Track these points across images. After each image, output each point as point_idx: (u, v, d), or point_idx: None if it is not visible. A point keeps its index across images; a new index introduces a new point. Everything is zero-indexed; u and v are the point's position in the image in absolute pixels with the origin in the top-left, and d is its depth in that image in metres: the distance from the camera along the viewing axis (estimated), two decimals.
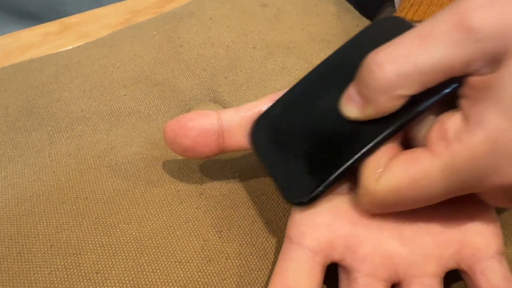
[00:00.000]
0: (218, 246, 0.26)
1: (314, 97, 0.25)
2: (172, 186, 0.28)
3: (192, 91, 0.35)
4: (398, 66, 0.20)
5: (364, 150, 0.22)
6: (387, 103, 0.20)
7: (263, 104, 0.26)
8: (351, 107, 0.22)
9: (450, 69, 0.19)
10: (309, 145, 0.23)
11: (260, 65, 0.36)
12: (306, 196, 0.22)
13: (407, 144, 0.23)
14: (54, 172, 0.29)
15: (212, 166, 0.30)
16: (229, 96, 0.34)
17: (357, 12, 0.40)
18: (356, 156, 0.22)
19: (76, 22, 0.42)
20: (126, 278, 0.24)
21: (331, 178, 0.22)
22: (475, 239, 0.22)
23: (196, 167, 0.29)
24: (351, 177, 0.23)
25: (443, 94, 0.21)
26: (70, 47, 0.39)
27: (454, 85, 0.20)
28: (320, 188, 0.22)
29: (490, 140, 0.18)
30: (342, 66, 0.24)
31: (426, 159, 0.20)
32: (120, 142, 0.31)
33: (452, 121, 0.20)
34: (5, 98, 0.34)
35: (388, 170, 0.21)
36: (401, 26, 0.23)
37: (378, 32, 0.24)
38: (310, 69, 0.26)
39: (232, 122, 0.25)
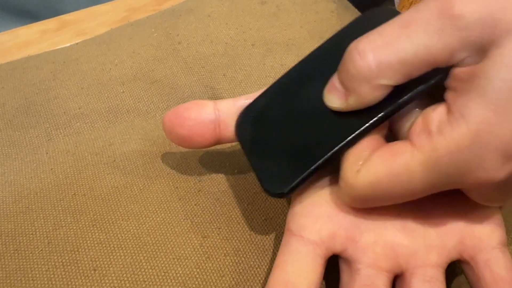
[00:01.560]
0: (217, 243, 0.26)
1: (299, 88, 0.24)
2: (170, 182, 0.28)
3: (190, 88, 0.34)
4: (380, 54, 0.19)
5: (344, 141, 0.21)
6: (369, 93, 0.20)
7: None
8: (334, 97, 0.21)
9: (433, 59, 0.19)
10: (291, 136, 0.23)
11: (259, 62, 0.35)
12: (285, 187, 0.22)
13: (393, 137, 0.22)
14: (51, 169, 0.29)
15: (211, 163, 0.29)
16: (228, 93, 0.34)
17: (356, 10, 0.40)
18: (336, 148, 0.21)
19: (73, 19, 0.42)
20: (125, 275, 0.24)
21: (310, 169, 0.22)
22: (478, 229, 0.22)
23: (195, 164, 0.29)
24: None
25: (428, 85, 0.20)
26: (68, 45, 0.39)
27: (438, 76, 0.20)
28: (298, 180, 0.22)
29: (473, 133, 0.18)
30: (329, 57, 0.24)
31: (407, 152, 0.19)
32: (118, 139, 0.31)
33: (435, 113, 0.19)
34: (2, 95, 0.34)
35: (368, 162, 0.20)
36: (390, 16, 0.22)
37: (368, 22, 0.24)
38: None
39: (228, 113, 0.25)
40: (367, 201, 0.21)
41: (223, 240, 0.26)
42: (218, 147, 0.29)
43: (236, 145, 0.30)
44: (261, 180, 0.23)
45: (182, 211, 0.27)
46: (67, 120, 0.32)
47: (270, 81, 0.34)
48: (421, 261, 0.21)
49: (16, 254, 0.25)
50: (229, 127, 0.25)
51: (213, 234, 0.26)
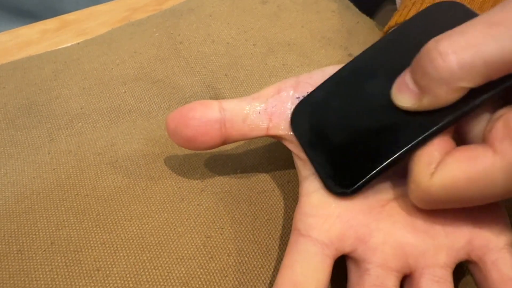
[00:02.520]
0: (220, 243, 0.26)
1: (360, 83, 0.23)
2: (173, 183, 0.28)
3: (192, 88, 0.34)
4: (463, 56, 0.18)
5: (414, 142, 0.20)
6: (446, 95, 0.19)
7: (267, 94, 0.25)
8: (405, 96, 0.21)
9: None
10: (353, 134, 0.22)
11: (260, 62, 0.35)
12: (350, 187, 0.21)
13: (459, 139, 0.22)
14: (54, 169, 0.29)
15: (214, 163, 0.29)
16: (230, 93, 0.34)
17: (357, 9, 0.40)
18: (405, 148, 0.21)
19: (74, 19, 0.42)
20: (128, 275, 0.24)
21: (377, 169, 0.21)
22: (486, 230, 0.22)
23: (198, 164, 0.29)
24: None
25: (503, 87, 0.19)
26: (69, 44, 0.39)
27: None
28: (364, 180, 0.21)
29: None
30: (393, 52, 0.23)
31: (487, 158, 0.19)
32: (120, 139, 0.31)
33: None
34: (4, 95, 0.34)
35: (443, 166, 0.20)
36: (462, 13, 0.21)
37: (434, 17, 0.23)
38: (311, 66, 0.25)
39: (234, 112, 0.25)
40: (439, 204, 0.21)
41: (226, 240, 0.26)
42: (221, 147, 0.29)
43: (239, 145, 0.30)
44: (322, 178, 0.22)
45: (185, 211, 0.27)
46: (69, 120, 0.32)
47: (272, 80, 0.34)
48: (430, 261, 0.21)
49: (19, 255, 0.25)
50: (234, 127, 0.25)
51: (216, 234, 0.26)
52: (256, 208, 0.27)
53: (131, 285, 0.24)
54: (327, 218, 0.22)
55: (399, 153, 0.21)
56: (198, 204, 0.27)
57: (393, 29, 0.24)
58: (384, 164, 0.21)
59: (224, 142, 0.25)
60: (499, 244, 0.22)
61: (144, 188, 0.28)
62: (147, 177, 0.28)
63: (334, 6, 0.40)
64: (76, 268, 0.25)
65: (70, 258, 0.25)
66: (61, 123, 0.32)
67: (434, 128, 0.20)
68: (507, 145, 0.18)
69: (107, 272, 0.24)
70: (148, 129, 0.32)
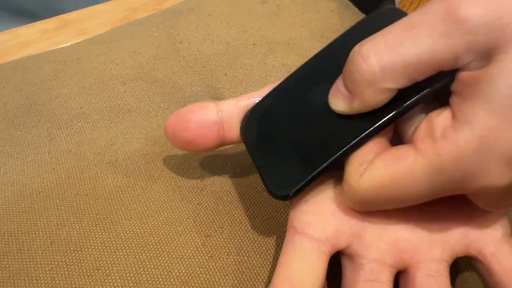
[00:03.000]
0: (219, 242, 0.26)
1: (305, 90, 0.24)
2: (173, 182, 0.28)
3: (191, 88, 0.34)
4: (383, 58, 0.19)
5: (349, 145, 0.21)
6: (373, 97, 0.20)
7: (263, 94, 0.25)
8: (338, 100, 0.21)
9: (438, 62, 0.19)
10: (296, 138, 0.23)
11: (260, 61, 0.35)
12: (290, 190, 0.22)
13: (398, 141, 0.22)
14: (54, 168, 0.29)
15: (213, 162, 0.29)
16: (229, 92, 0.34)
17: (356, 9, 0.40)
18: (341, 151, 0.21)
19: (74, 19, 0.42)
20: (128, 275, 0.24)
21: (315, 172, 0.22)
22: (481, 222, 0.22)
23: (197, 164, 0.29)
24: None
25: (433, 89, 0.20)
26: (69, 44, 0.39)
27: (444, 80, 0.20)
28: (303, 183, 0.22)
29: (477, 139, 0.18)
30: (335, 58, 0.24)
31: (410, 157, 0.19)
32: (120, 139, 0.31)
33: (440, 118, 0.19)
34: (3, 95, 0.34)
35: (371, 166, 0.20)
36: (397, 17, 0.22)
37: (374, 23, 0.24)
38: None
39: (231, 113, 0.25)
40: (369, 205, 0.21)
41: (225, 240, 0.26)
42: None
43: (238, 144, 0.30)
44: (265, 182, 0.23)
45: (184, 210, 0.27)
46: (68, 119, 0.32)
47: (271, 80, 0.34)
48: (425, 256, 0.22)
49: (19, 254, 0.25)
50: (232, 128, 0.25)
51: (215, 234, 0.26)
52: (256, 207, 0.27)
53: (131, 284, 0.24)
54: (322, 215, 0.22)
55: (335, 156, 0.21)
56: (197, 204, 0.27)
57: (337, 37, 0.25)
58: (322, 167, 0.22)
59: (222, 144, 0.25)
60: (496, 236, 0.22)
61: (143, 187, 0.28)
62: (147, 177, 0.28)
63: (334, 5, 0.40)
64: (76, 267, 0.25)
65: (70, 257, 0.25)
66: (61, 123, 0.32)
67: (367, 131, 0.21)
68: (428, 143, 0.19)
69: (107, 271, 0.24)
70: (147, 129, 0.32)
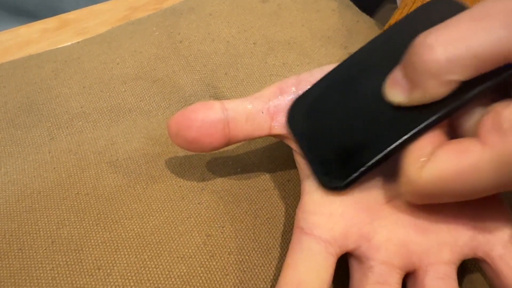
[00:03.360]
0: (220, 242, 0.26)
1: (356, 79, 0.23)
2: (173, 181, 0.28)
3: (192, 87, 0.34)
4: (450, 49, 0.18)
5: (406, 136, 0.20)
6: (436, 89, 0.19)
7: (269, 94, 0.25)
8: (396, 91, 0.21)
9: (508, 54, 0.18)
10: (348, 129, 0.22)
11: (260, 61, 0.35)
12: (342, 181, 0.22)
13: (453, 133, 0.22)
14: (54, 168, 0.29)
15: (214, 161, 0.29)
16: (230, 92, 0.34)
17: (357, 8, 0.40)
18: (397, 142, 0.21)
19: (74, 18, 0.42)
20: (129, 274, 0.24)
21: (369, 164, 0.21)
22: (489, 225, 0.22)
23: (198, 163, 0.29)
24: None
25: (496, 80, 0.19)
26: (69, 44, 0.39)
27: (509, 71, 0.19)
28: (356, 174, 0.21)
29: None
30: (388, 48, 0.23)
31: (476, 150, 0.19)
32: (120, 138, 0.31)
33: (507, 110, 0.18)
34: (4, 95, 0.34)
35: (433, 159, 0.19)
36: (455, 8, 0.21)
37: (429, 14, 0.23)
38: (311, 64, 0.25)
39: (237, 112, 0.24)
40: (429, 198, 0.21)
41: (227, 239, 0.26)
42: None
43: (239, 144, 0.30)
44: (316, 172, 0.22)
45: (185, 210, 0.27)
46: (69, 119, 0.32)
47: (272, 79, 0.34)
48: (433, 259, 0.21)
49: (20, 254, 0.25)
50: (238, 127, 0.24)
51: (216, 233, 0.26)
52: (257, 206, 0.27)
53: (132, 283, 0.24)
54: (330, 216, 0.22)
55: (390, 147, 0.21)
56: (198, 203, 0.27)
57: (389, 26, 0.24)
58: (376, 158, 0.21)
59: (227, 143, 0.25)
60: (504, 238, 0.21)
61: (144, 187, 0.28)
62: (148, 176, 0.28)
63: (334, 5, 0.40)
64: (77, 267, 0.25)
65: (71, 257, 0.25)
66: (62, 122, 0.32)
67: (426, 123, 0.20)
68: (495, 136, 0.18)
69: (108, 271, 0.24)
70: (148, 128, 0.32)
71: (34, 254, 0.25)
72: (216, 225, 0.26)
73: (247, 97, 0.25)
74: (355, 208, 0.22)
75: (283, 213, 0.27)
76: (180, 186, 0.28)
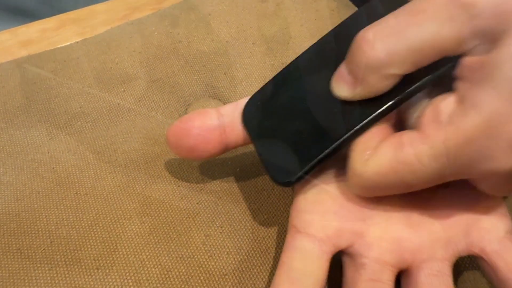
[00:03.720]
0: (219, 242, 0.26)
1: (306, 77, 0.24)
2: (172, 181, 0.28)
3: (191, 87, 0.34)
4: (389, 43, 0.19)
5: (352, 130, 0.21)
6: (378, 83, 0.20)
7: None
8: (342, 86, 0.21)
9: (443, 47, 0.18)
10: (298, 125, 0.23)
11: (259, 61, 0.35)
12: (292, 176, 0.22)
13: (402, 126, 0.22)
14: (53, 168, 0.29)
15: (213, 161, 0.29)
16: (229, 92, 0.34)
17: (356, 8, 0.40)
18: (344, 136, 0.21)
19: (74, 18, 0.42)
20: (128, 274, 0.24)
21: (318, 158, 0.21)
22: (483, 220, 0.22)
23: (197, 163, 0.29)
24: None
25: (437, 74, 0.20)
26: (68, 43, 0.39)
27: (448, 65, 0.20)
28: (306, 168, 0.22)
29: (485, 123, 0.18)
30: (337, 45, 0.24)
31: (416, 142, 0.19)
32: (119, 138, 0.31)
33: (446, 103, 0.19)
34: (3, 94, 0.34)
35: (376, 152, 0.20)
36: (399, 3, 0.22)
37: (376, 10, 0.24)
38: None
39: (232, 116, 0.25)
40: (375, 190, 0.21)
41: (225, 239, 0.26)
42: None
43: None
44: (267, 169, 0.23)
45: (184, 209, 0.27)
46: (68, 119, 0.32)
47: None
48: (427, 255, 0.22)
49: (19, 253, 0.25)
50: (235, 131, 0.25)
51: (215, 233, 0.26)
52: (255, 206, 0.27)
53: (130, 283, 0.24)
54: (324, 214, 0.22)
55: (338, 141, 0.21)
56: (197, 203, 0.27)
57: (341, 22, 0.25)
58: (325, 152, 0.21)
59: (225, 149, 0.25)
60: (499, 234, 0.22)
61: (143, 186, 0.28)
62: (147, 176, 0.28)
63: (334, 4, 0.40)
64: (76, 266, 0.25)
65: (70, 256, 0.25)
66: (61, 122, 0.32)
67: (371, 117, 0.21)
68: (434, 129, 0.19)
69: (107, 271, 0.24)
70: (147, 128, 0.32)
71: (33, 254, 0.25)
72: (214, 225, 0.26)
73: (241, 100, 0.26)
74: (348, 206, 0.22)
75: (282, 213, 0.27)
76: (179, 186, 0.28)
